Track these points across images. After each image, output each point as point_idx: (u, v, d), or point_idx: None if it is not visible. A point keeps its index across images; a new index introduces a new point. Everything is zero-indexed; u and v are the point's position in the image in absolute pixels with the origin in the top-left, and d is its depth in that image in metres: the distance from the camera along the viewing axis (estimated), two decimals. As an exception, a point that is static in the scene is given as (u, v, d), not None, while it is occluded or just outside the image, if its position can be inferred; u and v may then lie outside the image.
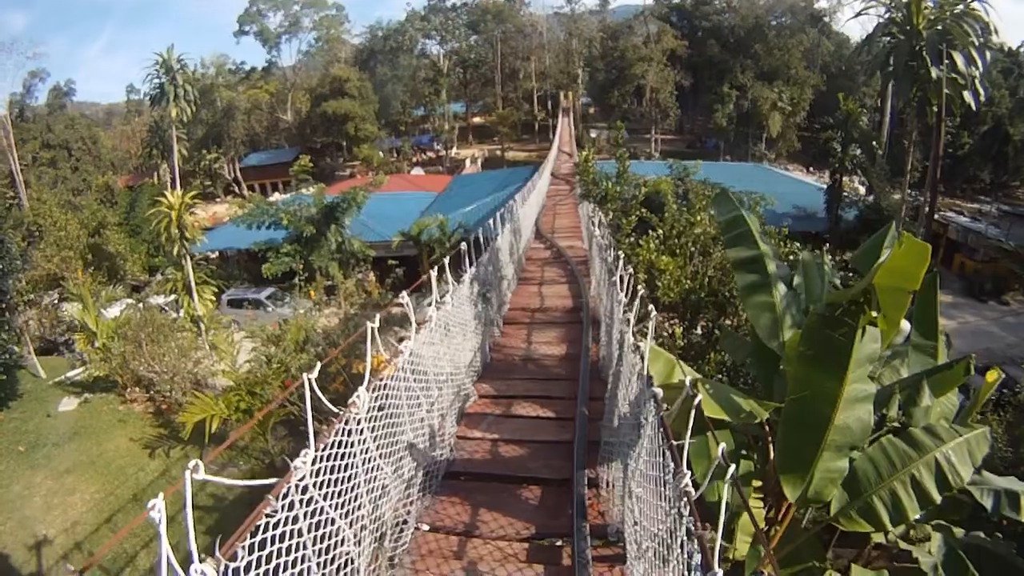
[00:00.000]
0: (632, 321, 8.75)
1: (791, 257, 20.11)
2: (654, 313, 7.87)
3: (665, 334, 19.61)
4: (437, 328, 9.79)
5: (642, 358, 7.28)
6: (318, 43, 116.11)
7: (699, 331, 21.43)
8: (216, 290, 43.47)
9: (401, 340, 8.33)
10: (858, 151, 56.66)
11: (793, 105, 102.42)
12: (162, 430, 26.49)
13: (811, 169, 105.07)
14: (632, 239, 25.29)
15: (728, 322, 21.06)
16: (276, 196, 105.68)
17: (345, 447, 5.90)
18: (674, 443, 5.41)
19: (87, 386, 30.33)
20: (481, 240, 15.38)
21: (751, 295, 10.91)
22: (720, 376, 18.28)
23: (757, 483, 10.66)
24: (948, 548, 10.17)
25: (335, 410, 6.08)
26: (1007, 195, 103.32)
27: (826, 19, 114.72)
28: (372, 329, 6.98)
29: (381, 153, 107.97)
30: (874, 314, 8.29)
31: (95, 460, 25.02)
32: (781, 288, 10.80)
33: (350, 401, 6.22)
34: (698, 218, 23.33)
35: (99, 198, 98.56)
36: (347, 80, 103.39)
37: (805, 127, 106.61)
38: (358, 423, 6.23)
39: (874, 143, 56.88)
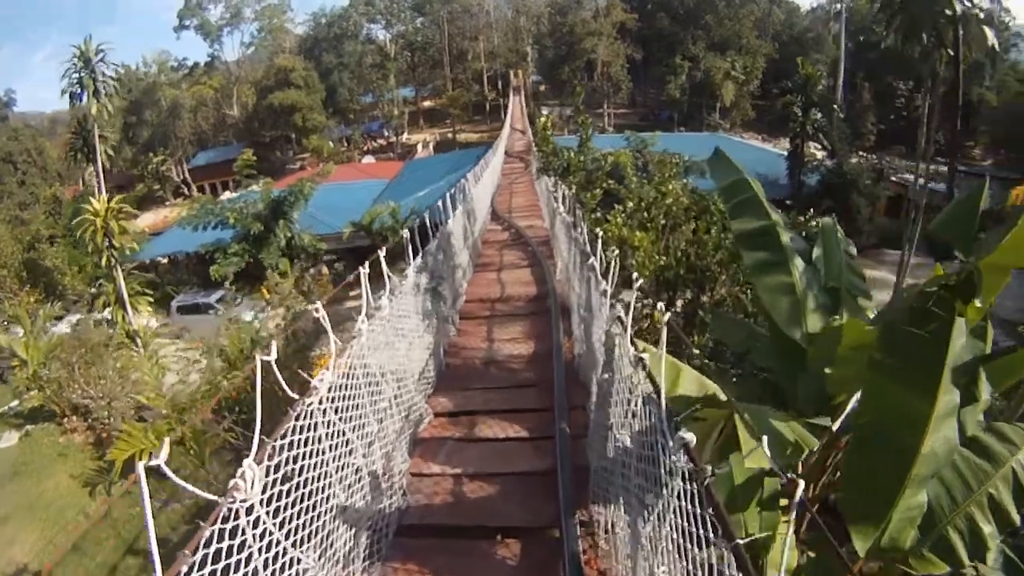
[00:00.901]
0: (627, 322, 6.38)
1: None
2: (667, 316, 5.55)
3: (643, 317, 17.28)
4: (370, 345, 7.31)
5: (653, 383, 5.08)
6: (261, 34, 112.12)
7: (678, 309, 19.26)
8: (151, 300, 40.61)
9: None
10: (818, 115, 54.55)
11: (746, 74, 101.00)
12: (103, 463, 23.98)
13: (766, 137, 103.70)
14: (598, 214, 22.97)
15: (705, 298, 18.92)
16: (227, 195, 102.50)
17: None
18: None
19: (28, 417, 27.91)
20: (429, 225, 13.29)
21: (764, 274, 8.64)
22: (707, 362, 16.03)
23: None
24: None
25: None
26: (962, 155, 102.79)
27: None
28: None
29: (331, 143, 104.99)
30: (978, 303, 6.09)
31: (34, 503, 22.85)
32: (799, 264, 8.55)
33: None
34: (669, 187, 21.12)
35: (47, 211, 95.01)
36: (292, 70, 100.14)
37: (759, 95, 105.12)
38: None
39: (835, 106, 54.73)
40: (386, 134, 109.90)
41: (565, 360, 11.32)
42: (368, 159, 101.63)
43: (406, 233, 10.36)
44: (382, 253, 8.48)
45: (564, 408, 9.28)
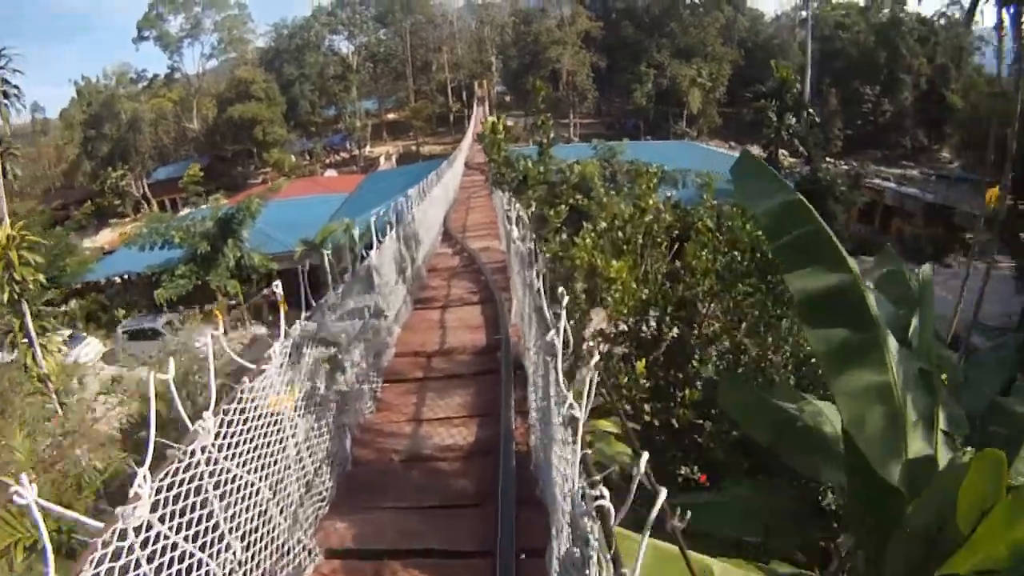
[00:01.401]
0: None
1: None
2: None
3: (620, 375, 13.33)
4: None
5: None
6: (221, 45, 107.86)
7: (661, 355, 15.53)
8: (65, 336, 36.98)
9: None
10: (793, 120, 51.54)
11: (713, 81, 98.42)
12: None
13: (733, 144, 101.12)
14: (564, 236, 19.29)
15: (695, 334, 15.18)
16: (185, 211, 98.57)
17: None
18: None
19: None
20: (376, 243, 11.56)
21: (844, 368, 5.08)
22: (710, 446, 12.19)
23: None
24: None
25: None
26: (928, 159, 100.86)
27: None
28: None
29: (293, 157, 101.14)
30: None
31: None
32: (892, 349, 4.99)
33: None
34: (650, 201, 17.52)
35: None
36: (252, 82, 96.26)
37: (726, 103, 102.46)
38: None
39: (809, 111, 51.83)
40: (349, 147, 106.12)
41: (519, 454, 7.73)
42: (330, 173, 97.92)
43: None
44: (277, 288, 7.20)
45: (511, 550, 5.93)
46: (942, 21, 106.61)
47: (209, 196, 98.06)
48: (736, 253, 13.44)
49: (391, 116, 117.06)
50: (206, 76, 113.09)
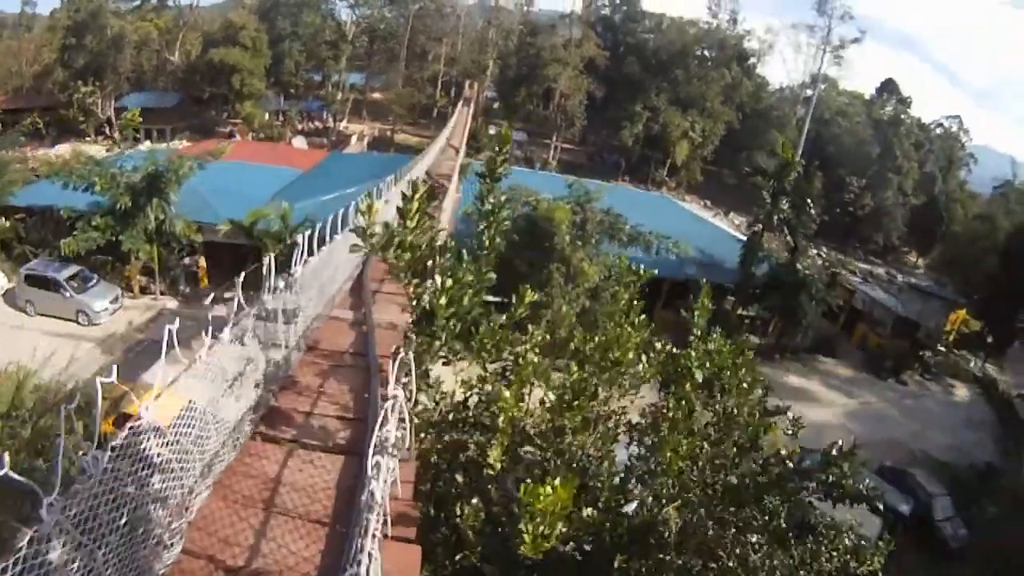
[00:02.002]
0: None
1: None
2: None
3: None
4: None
5: None
6: None
7: None
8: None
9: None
10: (785, 205, 47.18)
11: (703, 137, 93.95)
12: None
13: (708, 204, 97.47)
14: (452, 356, 11.98)
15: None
16: (146, 145, 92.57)
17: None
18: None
19: None
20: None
21: None
22: None
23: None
24: None
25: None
26: (896, 260, 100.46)
27: (753, 59, 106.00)
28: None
29: (266, 115, 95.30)
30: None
31: None
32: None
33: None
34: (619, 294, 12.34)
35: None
36: (242, 28, 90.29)
37: (710, 160, 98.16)
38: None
39: (809, 203, 47.55)
40: (324, 117, 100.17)
41: None
42: (299, 140, 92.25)
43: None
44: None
45: None
46: (938, 130, 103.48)
47: (175, 134, 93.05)
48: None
49: (376, 95, 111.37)
50: (198, 11, 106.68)
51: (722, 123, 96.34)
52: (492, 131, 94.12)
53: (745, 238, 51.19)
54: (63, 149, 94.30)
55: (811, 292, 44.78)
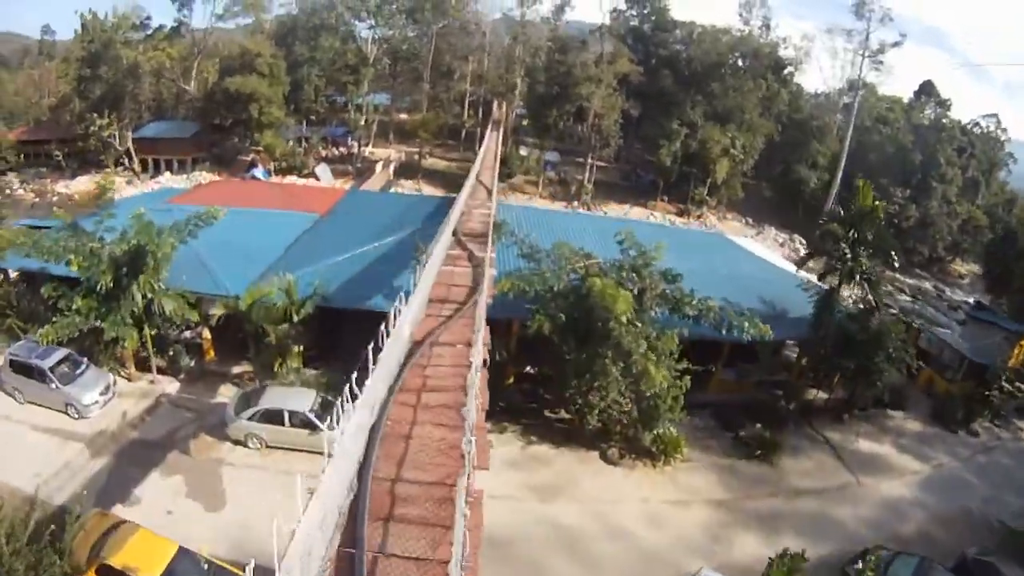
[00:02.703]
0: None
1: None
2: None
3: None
4: None
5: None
6: (234, 8, 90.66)
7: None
8: None
9: None
10: (864, 256, 36.60)
11: (744, 152, 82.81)
12: None
13: (750, 222, 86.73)
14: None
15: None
16: (166, 176, 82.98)
17: None
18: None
19: None
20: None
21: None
22: None
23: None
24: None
25: None
26: (940, 270, 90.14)
27: (790, 68, 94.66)
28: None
29: (289, 142, 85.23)
30: None
31: None
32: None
33: None
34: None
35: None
36: (258, 55, 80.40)
37: (751, 176, 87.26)
38: None
39: (892, 253, 37.04)
40: (349, 142, 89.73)
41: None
42: (322, 169, 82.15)
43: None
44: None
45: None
46: (976, 130, 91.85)
47: (195, 164, 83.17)
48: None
49: (402, 115, 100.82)
50: (213, 37, 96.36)
51: (761, 136, 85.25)
52: (523, 152, 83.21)
53: (800, 276, 42.16)
54: (83, 182, 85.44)
55: (888, 352, 35.54)
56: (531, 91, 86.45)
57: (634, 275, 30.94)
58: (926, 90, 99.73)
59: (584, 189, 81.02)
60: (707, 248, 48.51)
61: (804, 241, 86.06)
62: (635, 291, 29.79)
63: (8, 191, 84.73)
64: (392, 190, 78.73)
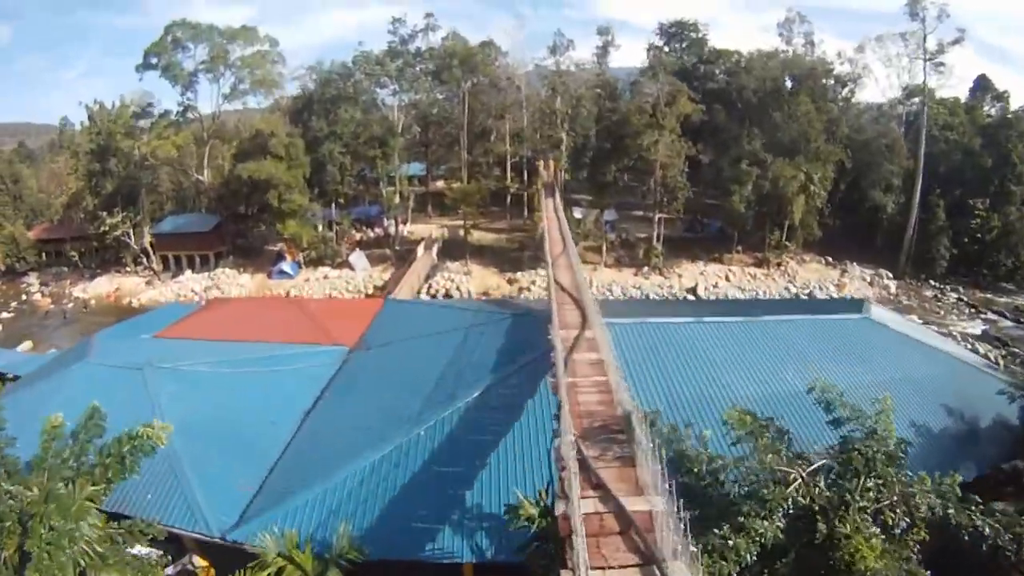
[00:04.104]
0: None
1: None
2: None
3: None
4: None
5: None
6: (242, 86, 71.40)
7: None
8: None
9: None
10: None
11: (822, 186, 63.86)
12: None
13: (830, 261, 67.40)
14: None
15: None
16: (187, 276, 64.87)
17: None
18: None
19: None
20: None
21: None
22: None
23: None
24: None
25: None
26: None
27: (850, 85, 75.10)
28: None
29: (319, 226, 66.62)
30: None
31: None
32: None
33: None
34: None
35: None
36: (272, 135, 61.71)
37: (827, 211, 67.66)
38: None
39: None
40: (385, 222, 70.44)
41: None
42: (357, 257, 63.47)
43: None
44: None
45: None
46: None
47: (218, 260, 65.29)
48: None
49: (439, 183, 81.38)
50: (226, 118, 77.50)
51: (831, 165, 65.65)
52: (578, 215, 63.98)
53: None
54: (102, 283, 70.26)
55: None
56: (580, 146, 67.16)
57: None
58: (982, 86, 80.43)
59: (653, 251, 61.89)
60: (856, 346, 28.55)
61: (891, 275, 67.24)
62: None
63: (25, 296, 70.09)
64: (438, 275, 60.01)
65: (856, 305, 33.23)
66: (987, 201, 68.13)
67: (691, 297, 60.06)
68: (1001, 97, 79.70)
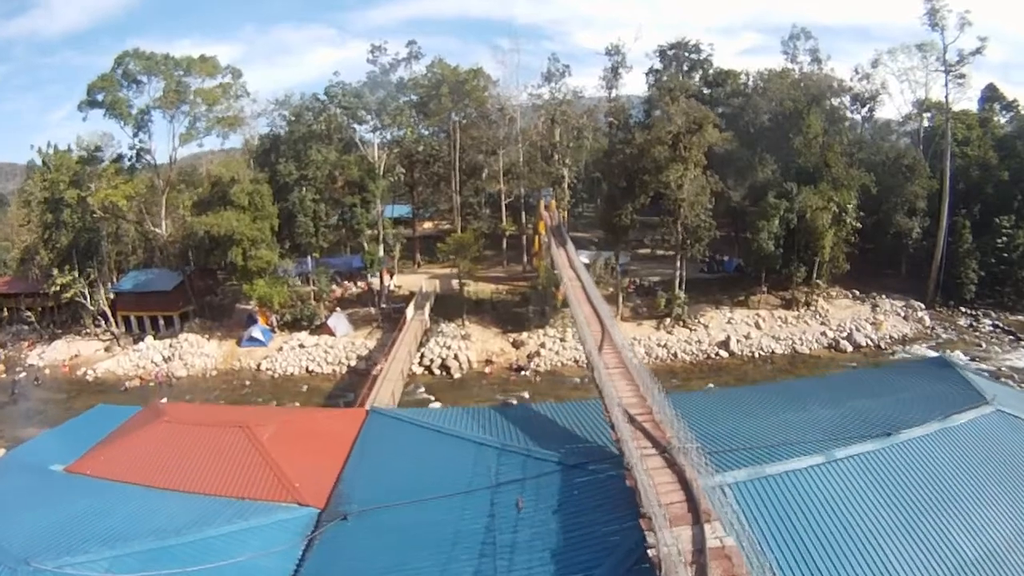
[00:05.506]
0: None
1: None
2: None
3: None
4: None
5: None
6: (200, 124, 54.64)
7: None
8: None
9: None
10: None
11: (851, 217, 50.02)
12: None
13: (857, 293, 53.35)
14: None
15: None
16: (148, 341, 50.50)
17: None
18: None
19: None
20: None
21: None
22: None
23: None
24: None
25: None
26: None
27: (869, 104, 61.17)
28: None
29: (296, 278, 51.25)
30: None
31: None
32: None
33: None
34: None
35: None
36: (232, 181, 46.02)
37: (853, 242, 53.29)
38: None
39: None
40: (367, 276, 54.17)
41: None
42: (337, 319, 48.22)
43: None
44: None
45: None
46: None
47: (183, 321, 50.16)
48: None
49: (427, 224, 65.68)
50: (186, 163, 61.52)
51: (855, 191, 51.33)
52: (584, 259, 48.86)
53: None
54: (59, 349, 54.01)
55: None
56: (583, 180, 52.06)
57: None
58: (990, 96, 67.70)
59: (676, 300, 46.93)
60: (1006, 461, 17.29)
61: (922, 305, 53.65)
62: None
63: (-26, 360, 56.26)
64: (432, 341, 44.71)
65: (943, 369, 24.43)
66: (1012, 218, 55.47)
67: (724, 353, 45.74)
68: (1011, 106, 66.93)
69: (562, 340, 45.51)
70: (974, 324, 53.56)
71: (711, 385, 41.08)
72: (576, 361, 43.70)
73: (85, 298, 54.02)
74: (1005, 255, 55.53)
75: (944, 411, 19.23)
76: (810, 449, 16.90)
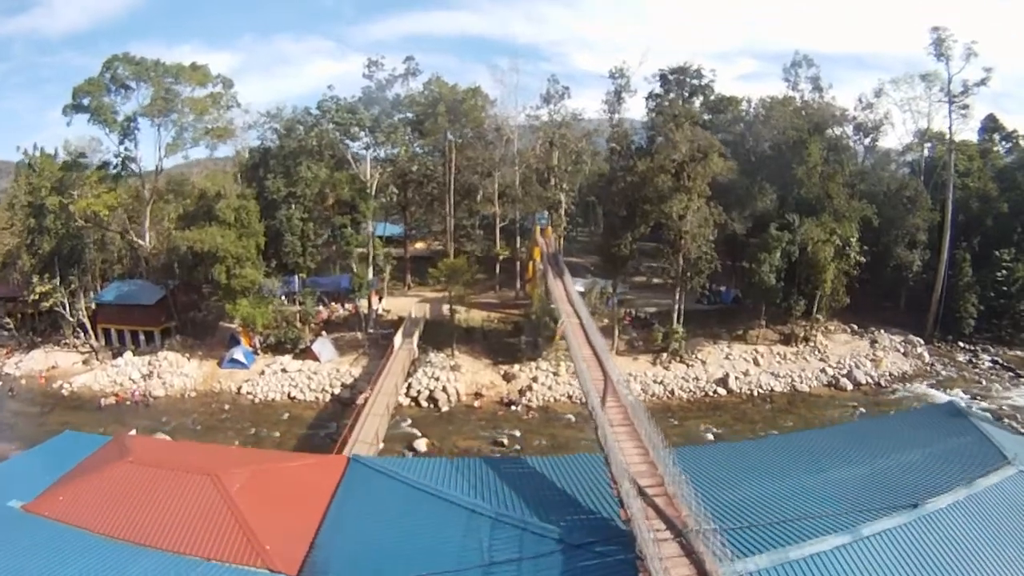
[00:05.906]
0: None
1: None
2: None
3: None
4: None
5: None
6: (187, 134, 50.81)
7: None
8: None
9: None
10: None
11: (856, 247, 47.16)
12: None
13: (855, 328, 50.41)
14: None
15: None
16: (126, 357, 47.31)
17: None
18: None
19: None
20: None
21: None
22: None
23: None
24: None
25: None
26: None
27: (872, 134, 58.25)
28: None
29: (281, 297, 47.70)
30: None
31: None
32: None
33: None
34: None
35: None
36: (218, 195, 42.48)
37: (854, 275, 50.17)
38: None
39: None
40: (355, 299, 50.46)
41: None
42: (322, 344, 44.74)
43: None
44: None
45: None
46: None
47: (164, 338, 46.79)
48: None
49: (419, 244, 62.01)
50: (175, 173, 57.76)
51: (856, 224, 48.35)
52: (579, 287, 45.41)
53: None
54: (37, 359, 50.39)
55: None
56: (580, 205, 48.73)
57: None
58: (990, 126, 64.48)
59: (674, 335, 43.66)
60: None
61: (921, 340, 50.92)
62: None
63: (-49, 367, 52.80)
64: (420, 371, 41.26)
65: (956, 419, 23.00)
66: (1012, 251, 53.43)
67: (722, 391, 42.60)
68: (1011, 137, 64.16)
69: (555, 374, 42.10)
70: (973, 360, 51.44)
71: (711, 426, 38.19)
72: (570, 397, 40.42)
73: (65, 308, 50.45)
74: (1004, 288, 53.30)
75: (967, 474, 17.97)
76: (835, 526, 15.00)
